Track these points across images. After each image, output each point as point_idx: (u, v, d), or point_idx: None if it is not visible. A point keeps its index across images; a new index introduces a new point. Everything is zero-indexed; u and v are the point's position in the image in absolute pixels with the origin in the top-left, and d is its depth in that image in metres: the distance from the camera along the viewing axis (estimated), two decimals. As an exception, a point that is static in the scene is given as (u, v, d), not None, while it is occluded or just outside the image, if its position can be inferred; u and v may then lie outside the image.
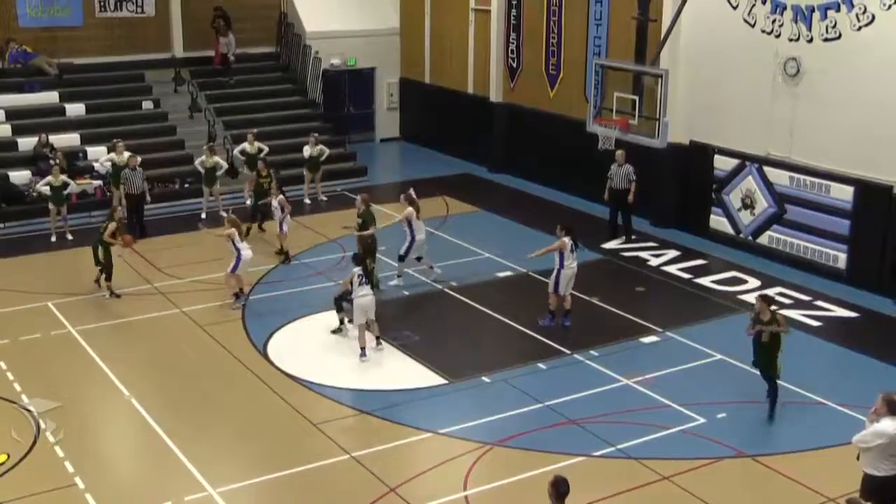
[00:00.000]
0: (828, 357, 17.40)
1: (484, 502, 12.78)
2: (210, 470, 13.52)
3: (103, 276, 19.55)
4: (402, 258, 19.76)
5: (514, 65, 28.69)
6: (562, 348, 17.25)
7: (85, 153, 25.95)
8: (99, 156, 25.70)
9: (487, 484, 13.23)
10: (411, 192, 20.09)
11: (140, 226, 23.26)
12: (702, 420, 14.78)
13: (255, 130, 26.23)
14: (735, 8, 22.13)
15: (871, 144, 19.77)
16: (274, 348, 17.36)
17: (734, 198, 22.52)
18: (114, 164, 23.91)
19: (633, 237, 22.84)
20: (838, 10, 20.07)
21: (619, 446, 13.88)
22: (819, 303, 19.48)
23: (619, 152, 22.36)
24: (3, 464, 13.59)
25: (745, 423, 14.76)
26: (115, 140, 24.59)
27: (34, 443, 14.15)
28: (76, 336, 17.73)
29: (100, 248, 19.42)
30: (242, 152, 25.75)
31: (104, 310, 18.84)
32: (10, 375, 16.20)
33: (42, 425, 14.59)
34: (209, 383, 16.06)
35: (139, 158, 23.74)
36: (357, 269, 16.81)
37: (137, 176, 23.21)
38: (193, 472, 13.45)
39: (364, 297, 16.77)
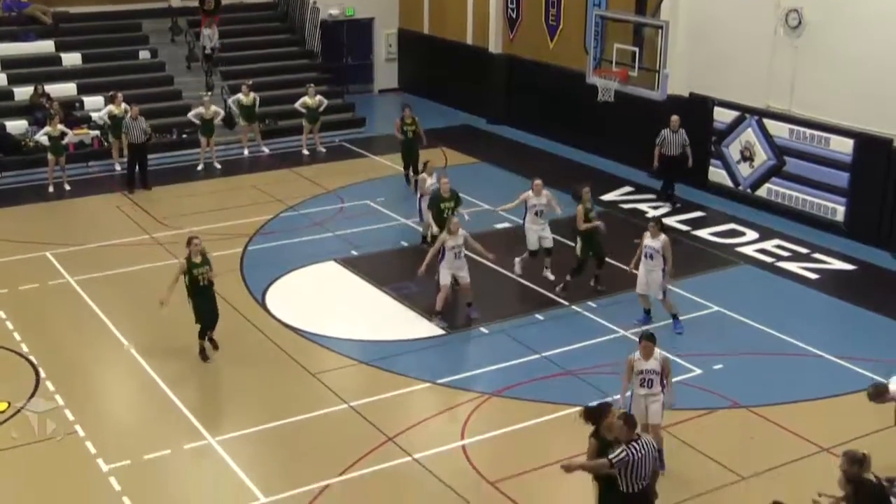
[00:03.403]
0: (825, 310, 17.45)
1: (481, 452, 12.87)
2: (209, 419, 13.61)
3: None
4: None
5: (514, 15, 28.46)
6: (560, 299, 17.29)
7: (82, 103, 25.82)
8: (96, 106, 25.63)
9: (485, 433, 13.32)
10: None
11: (143, 176, 23.18)
12: (698, 371, 14.86)
13: (250, 81, 26.10)
14: (737, -42, 21.95)
15: (871, 97, 19.68)
16: (272, 298, 17.39)
17: (733, 150, 22.46)
18: (112, 116, 23.78)
19: (678, 205, 22.34)
20: (841, -40, 19.91)
21: (616, 397, 13.92)
22: (817, 255, 19.50)
23: (675, 118, 21.68)
24: (4, 411, 13.67)
25: (741, 375, 14.83)
26: (112, 92, 24.44)
27: (34, 391, 14.22)
28: (75, 286, 17.74)
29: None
30: (237, 102, 25.62)
31: (103, 260, 18.83)
32: (9, 325, 16.25)
33: (42, 373, 14.66)
34: (208, 333, 16.13)
35: (137, 108, 23.57)
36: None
37: (139, 125, 23.07)
38: (192, 421, 13.53)
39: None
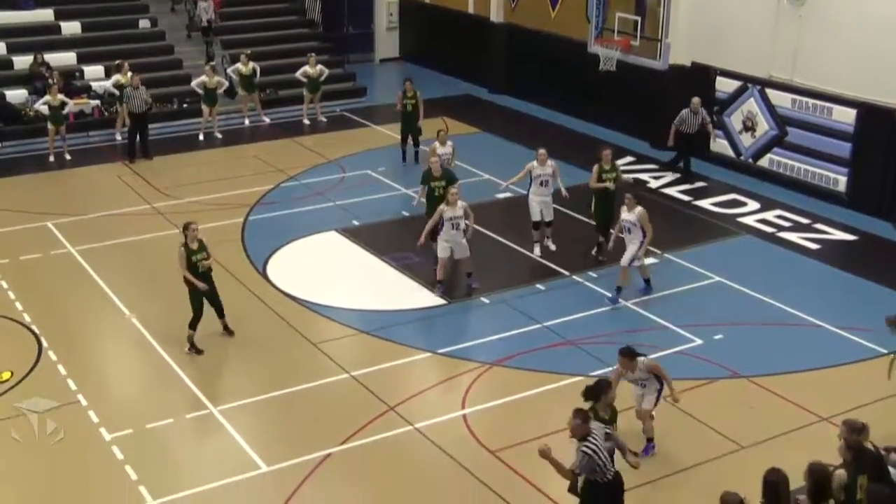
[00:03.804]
0: (826, 280, 17.45)
1: (482, 421, 12.92)
2: (210, 388, 13.67)
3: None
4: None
5: (516, -16, 28.31)
6: (561, 269, 17.30)
7: (81, 72, 25.71)
8: (96, 75, 25.56)
9: (486, 403, 13.38)
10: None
11: (144, 146, 23.13)
12: (699, 341, 14.89)
13: (249, 51, 26.00)
14: (741, -74, 21.78)
15: (875, 67, 19.58)
16: (274, 268, 17.41)
17: (735, 120, 22.38)
18: (120, 85, 23.65)
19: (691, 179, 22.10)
20: (845, -72, 19.76)
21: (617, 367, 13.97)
22: (818, 226, 19.49)
23: (696, 99, 21.54)
24: (6, 381, 13.73)
25: (741, 345, 14.86)
26: (119, 61, 24.34)
27: (37, 360, 14.28)
28: (76, 256, 17.76)
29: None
30: (236, 72, 25.54)
31: (104, 230, 18.83)
32: (11, 294, 16.28)
33: (45, 343, 14.71)
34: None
35: (139, 77, 23.47)
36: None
37: (140, 94, 22.99)
38: (194, 391, 13.59)
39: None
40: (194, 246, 14.38)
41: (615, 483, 9.90)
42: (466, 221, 16.37)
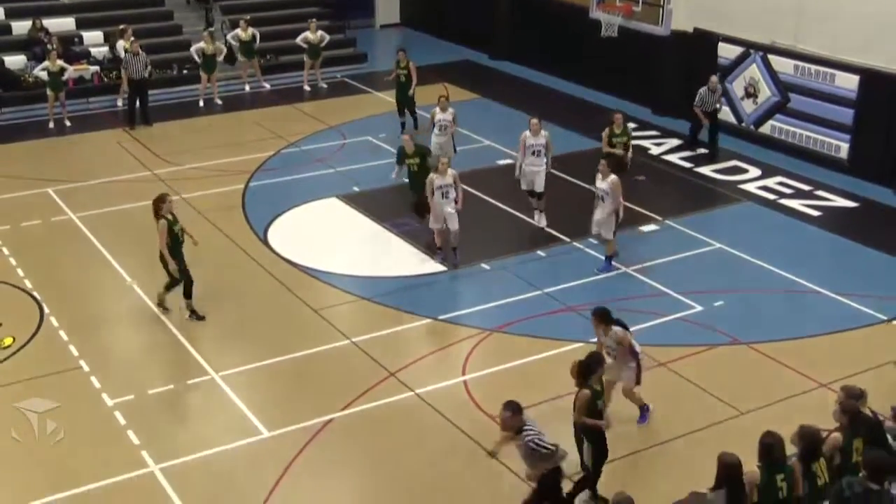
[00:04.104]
0: (826, 246, 17.45)
1: (482, 387, 12.96)
2: (212, 354, 13.70)
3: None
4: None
5: (517, -51, 28.09)
6: (561, 236, 17.30)
7: (81, 38, 25.57)
8: (95, 41, 25.44)
9: (486, 369, 13.42)
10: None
11: (144, 112, 23.05)
12: (699, 308, 14.91)
13: (248, 17, 25.86)
14: None
15: (878, 33, 19.45)
16: (274, 235, 17.41)
17: (737, 86, 22.28)
18: (127, 51, 23.50)
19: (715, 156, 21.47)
20: None
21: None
22: (819, 192, 19.46)
23: (714, 78, 21.06)
24: (9, 346, 13.78)
25: (741, 311, 14.88)
26: (123, 25, 24.20)
27: (38, 326, 14.32)
28: (77, 222, 17.76)
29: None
30: (236, 38, 25.41)
31: (105, 197, 18.82)
32: (12, 261, 16.30)
33: (46, 309, 14.74)
34: (210, 270, 16.13)
35: (138, 43, 23.32)
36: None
37: (139, 60, 22.87)
38: (196, 357, 13.64)
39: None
40: (170, 217, 14.30)
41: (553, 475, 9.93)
42: (456, 192, 16.03)
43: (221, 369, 13.30)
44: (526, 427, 9.64)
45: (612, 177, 15.57)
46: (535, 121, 17.48)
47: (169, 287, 14.63)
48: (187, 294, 14.58)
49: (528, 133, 17.40)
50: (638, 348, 11.75)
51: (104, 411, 12.39)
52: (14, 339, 13.97)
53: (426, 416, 12.42)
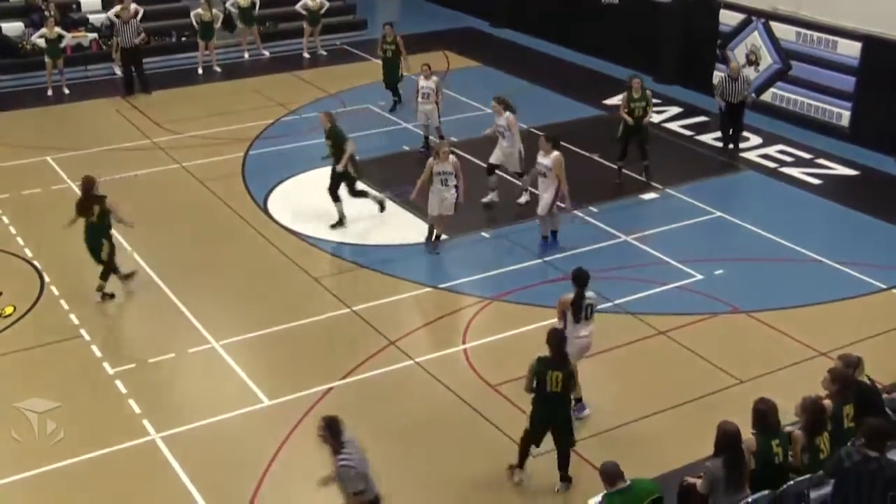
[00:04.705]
0: (826, 215, 17.43)
1: (483, 355, 12.99)
2: (212, 323, 13.70)
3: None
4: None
5: (518, -86, 27.85)
6: (561, 204, 17.23)
7: (79, 4, 25.41)
8: (93, 7, 25.27)
9: (486, 337, 13.45)
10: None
11: (141, 80, 22.94)
12: (699, 276, 14.91)
13: None
14: None
15: (881, 0, 19.36)
16: (274, 203, 17.38)
17: (739, 54, 22.16)
18: (117, 17, 23.34)
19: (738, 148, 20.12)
20: None
21: (617, 302, 14.04)
22: (820, 161, 19.41)
23: (734, 64, 19.78)
24: (9, 315, 13.79)
25: (741, 280, 14.89)
26: None
27: (39, 295, 14.33)
28: (76, 190, 17.62)
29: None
30: (235, 5, 25.25)
31: (104, 165, 18.70)
32: (12, 230, 16.29)
33: (46, 278, 14.74)
34: (210, 238, 16.14)
35: (133, 10, 23.06)
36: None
37: (130, 28, 22.69)
38: (196, 325, 13.64)
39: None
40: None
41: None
42: (457, 181, 15.47)
43: (222, 338, 13.31)
44: (345, 449, 8.76)
45: (556, 153, 15.15)
46: (494, 103, 16.87)
47: (106, 275, 14.23)
48: (113, 269, 14.25)
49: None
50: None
51: (105, 380, 12.42)
52: (14, 308, 13.99)
53: (426, 384, 12.45)
